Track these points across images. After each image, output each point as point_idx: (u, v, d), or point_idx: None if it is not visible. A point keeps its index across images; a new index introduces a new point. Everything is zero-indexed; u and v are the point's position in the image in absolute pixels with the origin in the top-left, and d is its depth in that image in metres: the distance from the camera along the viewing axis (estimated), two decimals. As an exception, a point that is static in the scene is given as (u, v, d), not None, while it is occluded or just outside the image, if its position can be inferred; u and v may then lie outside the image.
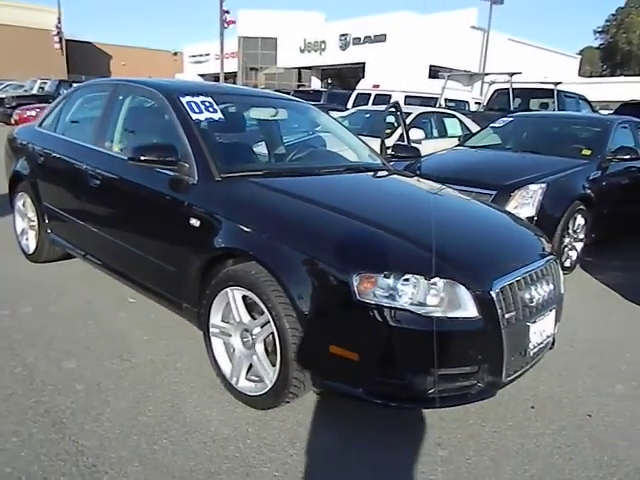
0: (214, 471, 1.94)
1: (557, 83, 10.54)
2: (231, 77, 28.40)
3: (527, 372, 2.29)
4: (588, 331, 3.38)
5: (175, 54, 47.19)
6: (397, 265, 1.99)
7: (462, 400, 2.08)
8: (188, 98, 2.89)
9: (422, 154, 4.10)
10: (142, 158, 2.56)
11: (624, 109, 9.31)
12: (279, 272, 2.10)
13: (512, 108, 9.96)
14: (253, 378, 2.33)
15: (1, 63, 36.84)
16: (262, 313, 2.21)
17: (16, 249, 4.12)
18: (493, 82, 11.37)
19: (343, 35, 24.69)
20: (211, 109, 2.89)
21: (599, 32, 59.04)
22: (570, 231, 4.52)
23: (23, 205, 4.00)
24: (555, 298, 2.37)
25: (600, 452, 2.17)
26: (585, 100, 11.62)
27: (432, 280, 1.96)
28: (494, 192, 4.31)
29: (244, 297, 2.28)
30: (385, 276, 1.95)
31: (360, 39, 24.16)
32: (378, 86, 12.44)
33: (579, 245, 4.68)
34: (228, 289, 2.31)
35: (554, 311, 2.36)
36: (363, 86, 13.09)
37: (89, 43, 48.08)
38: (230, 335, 2.38)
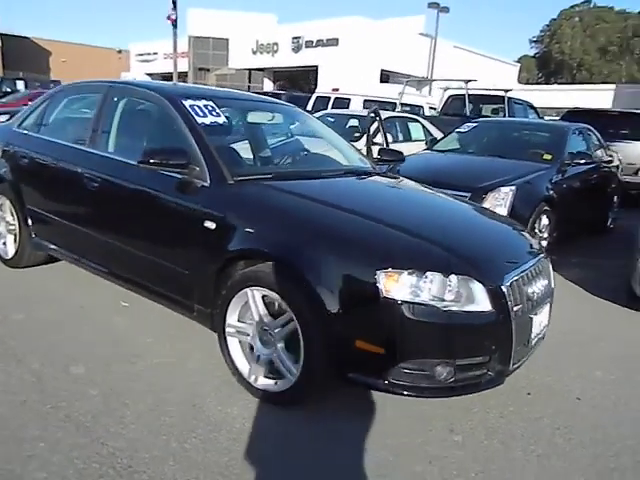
0: (250, 464, 2.00)
1: (507, 90, 11.10)
2: (181, 77, 27.84)
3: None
4: (562, 324, 3.62)
5: (120, 52, 45.76)
6: (419, 263, 2.12)
7: (475, 388, 2.24)
8: (190, 102, 2.92)
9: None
10: (152, 161, 2.58)
11: (569, 116, 9.91)
12: (304, 272, 2.19)
13: (468, 114, 10.41)
14: (272, 376, 2.40)
15: None
16: (282, 312, 2.29)
17: (-8, 254, 3.97)
18: (448, 88, 11.82)
19: (296, 38, 24.84)
20: (214, 113, 2.94)
21: (534, 42, 62.27)
22: (537, 230, 4.84)
23: (0, 208, 3.86)
24: (549, 292, 2.59)
25: (594, 431, 2.38)
26: (532, 107, 12.28)
27: (450, 277, 2.11)
28: (468, 194, 4.54)
29: (263, 297, 2.35)
30: (409, 273, 2.08)
31: (313, 42, 24.40)
32: (337, 90, 12.64)
33: (544, 243, 5.01)
34: (247, 289, 2.37)
35: (549, 304, 2.58)
36: (322, 89, 13.26)
37: (26, 38, 45.75)
38: (248, 334, 2.44)
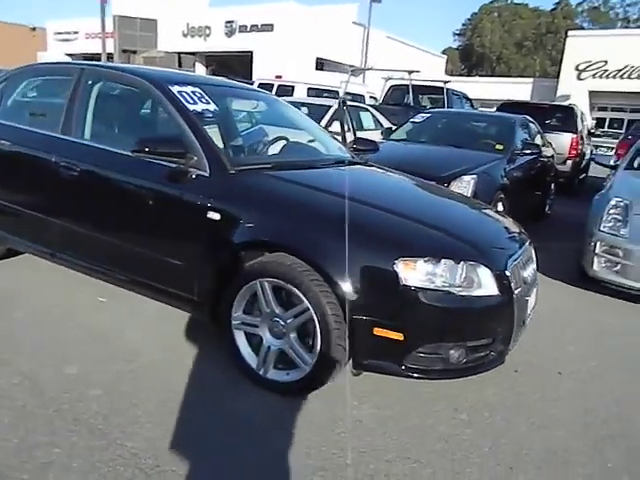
0: (277, 457, 2.01)
1: (446, 82, 11.51)
2: (107, 59, 26.37)
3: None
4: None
5: (34, 29, 42.41)
6: (434, 251, 2.20)
7: (481, 368, 2.37)
8: (177, 88, 2.81)
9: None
10: (147, 150, 2.47)
11: (504, 107, 10.45)
12: (321, 262, 2.20)
13: (412, 104, 10.70)
14: (282, 366, 2.40)
15: None
16: (293, 303, 2.29)
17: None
18: (390, 78, 12.07)
19: (229, 22, 24.20)
20: (203, 100, 2.85)
21: (458, 34, 64.70)
22: (494, 217, 5.10)
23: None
24: (536, 275, 2.77)
25: (582, 401, 2.60)
26: (467, 98, 12.81)
27: (461, 263, 2.20)
28: (432, 183, 4.71)
29: (273, 287, 2.33)
30: (425, 261, 2.15)
31: (247, 27, 23.87)
32: (281, 77, 12.53)
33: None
34: (257, 281, 2.34)
35: (536, 287, 2.75)
36: (265, 76, 13.08)
37: None
38: (256, 326, 2.42)
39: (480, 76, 47.88)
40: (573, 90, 28.84)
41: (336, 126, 7.36)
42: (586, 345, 3.28)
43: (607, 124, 29.07)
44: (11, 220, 3.23)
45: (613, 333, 3.53)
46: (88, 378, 2.41)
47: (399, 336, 2.15)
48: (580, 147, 9.84)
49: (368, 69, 12.53)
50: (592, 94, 29.11)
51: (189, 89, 2.85)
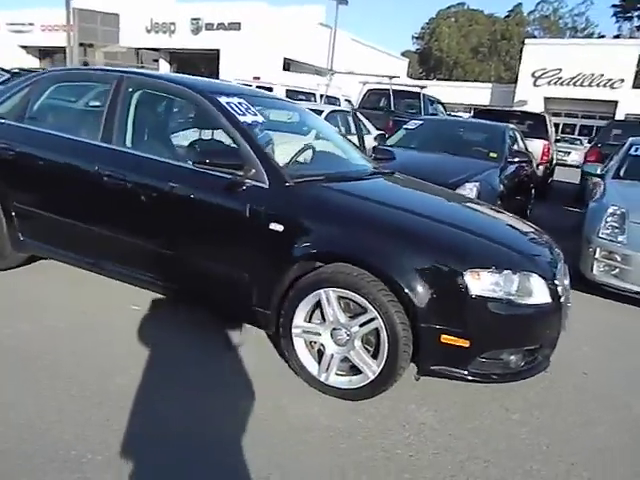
0: (359, 461, 2.09)
1: (422, 87, 11.80)
2: (62, 52, 25.47)
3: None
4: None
5: (-18, 19, 40.38)
6: (497, 262, 2.33)
7: (534, 371, 2.51)
8: (225, 99, 2.84)
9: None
10: (208, 161, 2.50)
11: (479, 114, 10.85)
12: (390, 273, 2.29)
13: (393, 109, 10.92)
14: (344, 373, 2.48)
15: None
16: (358, 311, 2.38)
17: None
18: (366, 82, 12.25)
19: (195, 19, 23.88)
20: (251, 111, 2.89)
21: (417, 38, 65.99)
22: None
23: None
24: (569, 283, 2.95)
25: (614, 400, 2.80)
26: (440, 103, 13.17)
27: (520, 273, 2.35)
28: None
29: (339, 297, 2.41)
30: (490, 272, 2.28)
31: (213, 25, 23.63)
32: (259, 78, 12.51)
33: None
34: (321, 290, 2.41)
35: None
36: (242, 76, 13.02)
37: None
38: (319, 334, 2.49)
39: (438, 80, 49.02)
40: (530, 96, 30.07)
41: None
42: (600, 345, 3.51)
43: (560, 129, 30.47)
44: (45, 229, 3.16)
45: (622, 333, 3.78)
46: (130, 387, 2.41)
47: (465, 343, 2.27)
48: (551, 153, 10.34)
49: (348, 73, 12.64)
50: (547, 100, 30.44)
51: (235, 100, 2.88)
